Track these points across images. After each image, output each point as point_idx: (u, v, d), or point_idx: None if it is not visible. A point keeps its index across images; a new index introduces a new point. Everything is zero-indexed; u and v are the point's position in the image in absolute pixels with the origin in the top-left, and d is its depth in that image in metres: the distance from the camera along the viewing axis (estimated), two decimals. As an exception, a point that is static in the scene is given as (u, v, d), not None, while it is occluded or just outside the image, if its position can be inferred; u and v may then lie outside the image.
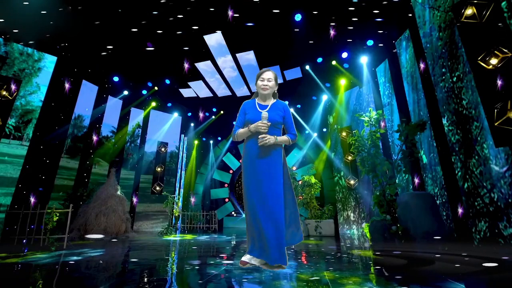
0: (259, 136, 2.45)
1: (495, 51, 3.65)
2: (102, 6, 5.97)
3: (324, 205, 8.47)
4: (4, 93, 5.42)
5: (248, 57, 7.91)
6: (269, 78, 2.63)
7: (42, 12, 5.65)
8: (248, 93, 9.20)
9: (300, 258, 3.39)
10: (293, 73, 8.73)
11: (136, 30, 6.60)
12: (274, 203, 2.38)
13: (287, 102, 10.26)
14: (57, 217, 5.16)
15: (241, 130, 2.59)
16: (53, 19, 5.90)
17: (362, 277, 2.32)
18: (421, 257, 3.37)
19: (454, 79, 4.66)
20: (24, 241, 5.11)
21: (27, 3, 5.36)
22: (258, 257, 2.42)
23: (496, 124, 3.57)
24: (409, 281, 2.22)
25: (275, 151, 2.51)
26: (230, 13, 6.09)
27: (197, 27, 6.72)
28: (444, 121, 5.00)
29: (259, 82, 2.64)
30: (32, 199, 5.93)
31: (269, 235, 2.32)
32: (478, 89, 3.85)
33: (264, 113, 2.47)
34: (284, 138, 2.58)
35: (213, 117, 11.35)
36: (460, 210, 4.73)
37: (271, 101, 2.68)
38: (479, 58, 3.77)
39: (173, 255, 3.88)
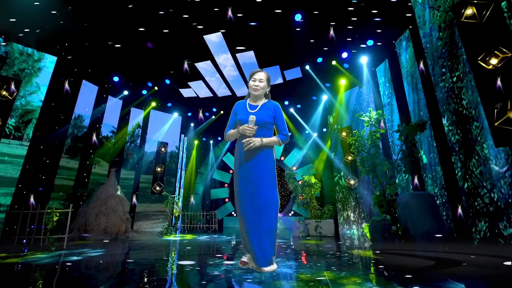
0: (243, 140, 2.44)
1: (495, 51, 3.65)
2: (102, 6, 5.97)
3: (324, 205, 8.47)
4: (4, 93, 5.42)
5: (248, 57, 7.91)
6: (260, 78, 2.61)
7: (42, 12, 5.64)
8: (248, 93, 9.18)
9: (300, 258, 3.39)
10: (293, 73, 8.73)
11: (136, 30, 6.59)
12: (263, 204, 2.38)
13: (286, 102, 10.31)
14: (57, 217, 5.16)
15: (231, 131, 2.60)
16: (53, 19, 5.90)
17: (362, 277, 2.32)
18: (421, 257, 3.37)
19: (454, 79, 4.66)
20: (24, 241, 5.11)
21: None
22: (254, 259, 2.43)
23: (496, 124, 3.57)
24: (409, 281, 2.22)
25: (263, 152, 2.50)
26: (230, 13, 6.09)
27: (197, 27, 6.72)
28: (444, 121, 5.00)
29: (251, 82, 2.62)
30: (32, 199, 5.92)
31: (254, 237, 2.34)
32: (478, 89, 3.85)
33: (251, 117, 2.46)
34: (273, 139, 2.53)
35: (213, 117, 11.35)
36: (460, 210, 4.73)
37: (262, 102, 2.65)
38: (479, 58, 3.77)
39: (173, 255, 3.88)
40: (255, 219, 2.38)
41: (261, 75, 2.63)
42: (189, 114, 11.14)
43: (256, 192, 2.41)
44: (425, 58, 5.51)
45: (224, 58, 7.96)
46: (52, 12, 5.74)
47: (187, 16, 6.32)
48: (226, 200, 12.19)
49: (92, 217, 6.66)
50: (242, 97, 2.86)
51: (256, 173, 2.45)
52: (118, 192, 7.48)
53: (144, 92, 9.40)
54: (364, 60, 7.59)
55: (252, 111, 2.56)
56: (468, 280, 2.27)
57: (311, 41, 7.21)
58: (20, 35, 5.98)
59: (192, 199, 11.08)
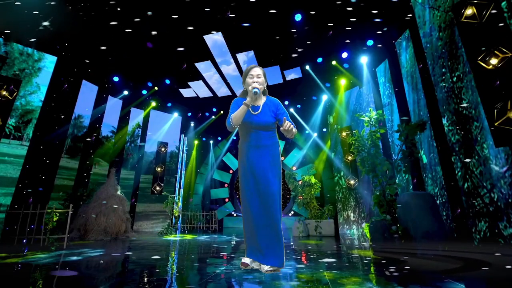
0: (286, 127, 2.27)
1: (495, 51, 3.65)
2: (102, 6, 5.96)
3: (324, 205, 8.47)
4: (4, 93, 5.42)
5: (248, 57, 7.91)
6: (258, 74, 2.50)
7: (42, 12, 5.64)
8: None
9: (300, 258, 3.39)
10: (293, 73, 8.73)
11: (136, 30, 6.59)
12: (272, 203, 2.37)
13: (287, 102, 10.31)
14: (57, 217, 5.16)
15: (235, 112, 2.40)
16: (53, 19, 5.89)
17: (362, 277, 2.32)
18: (422, 257, 3.37)
19: (454, 79, 4.66)
20: (24, 241, 5.12)
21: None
22: (256, 260, 2.41)
23: (496, 124, 3.57)
24: (409, 281, 2.22)
25: (272, 151, 2.48)
26: (230, 13, 6.09)
27: (197, 27, 6.72)
28: (444, 121, 5.00)
29: (248, 80, 2.50)
30: (32, 199, 5.92)
31: (266, 237, 2.32)
32: (478, 89, 3.85)
33: (254, 85, 2.44)
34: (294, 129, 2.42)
35: (213, 117, 11.35)
36: (460, 210, 4.73)
37: (262, 101, 2.55)
38: (479, 58, 3.77)
39: (173, 255, 3.88)
40: (266, 216, 2.35)
41: (258, 70, 2.52)
42: (189, 114, 11.14)
43: (266, 190, 2.38)
44: (425, 58, 5.51)
45: (223, 59, 7.96)
46: (52, 12, 5.73)
47: (187, 16, 6.31)
48: (226, 200, 12.19)
49: (92, 217, 6.66)
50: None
51: (265, 171, 2.41)
52: (118, 192, 7.48)
53: (144, 92, 9.40)
54: (364, 60, 7.59)
55: (255, 113, 2.48)
56: (468, 280, 2.27)
57: (311, 41, 7.21)
58: (21, 32, 5.94)
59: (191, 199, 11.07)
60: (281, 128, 2.39)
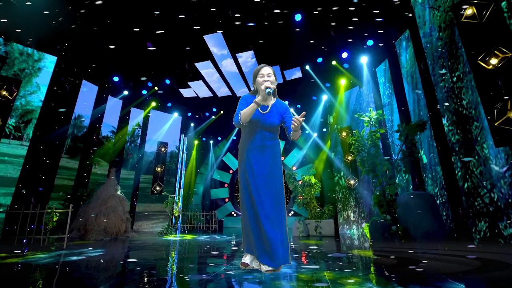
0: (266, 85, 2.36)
1: (495, 51, 3.65)
2: (102, 6, 5.96)
3: (324, 205, 8.47)
4: (4, 93, 5.42)
5: (248, 57, 7.91)
6: (269, 73, 2.51)
7: (42, 12, 5.63)
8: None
9: (300, 258, 3.39)
10: (293, 73, 8.73)
11: (136, 30, 6.59)
12: (274, 203, 2.36)
13: (287, 102, 10.31)
14: (57, 217, 5.16)
15: (245, 109, 2.39)
16: (53, 19, 5.89)
17: (362, 277, 2.32)
18: (422, 257, 3.37)
19: (454, 79, 4.66)
20: (24, 241, 5.12)
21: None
22: (259, 260, 2.40)
23: (496, 124, 3.57)
24: (409, 281, 2.22)
25: (273, 152, 2.48)
26: (230, 13, 6.08)
27: (197, 27, 6.72)
28: (444, 121, 5.00)
29: (259, 79, 2.50)
30: (32, 199, 5.92)
31: (271, 237, 2.27)
32: (478, 89, 3.85)
33: (267, 85, 2.44)
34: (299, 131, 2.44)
35: (213, 117, 11.35)
36: (460, 210, 4.73)
37: (272, 102, 2.56)
38: (479, 58, 3.77)
39: (173, 255, 3.88)
40: (274, 213, 2.33)
41: (268, 69, 2.54)
42: (189, 114, 11.13)
43: (268, 189, 2.37)
44: (425, 58, 5.51)
45: (224, 58, 7.96)
46: (52, 12, 5.73)
47: (187, 16, 6.31)
48: (226, 200, 12.19)
49: (92, 217, 6.66)
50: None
51: (267, 170, 2.41)
52: (118, 192, 7.48)
53: (144, 92, 9.40)
54: (364, 60, 7.59)
55: (263, 112, 2.48)
56: (468, 280, 2.27)
57: (311, 41, 7.21)
58: (18, 31, 5.91)
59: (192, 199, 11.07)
60: (292, 124, 2.30)
